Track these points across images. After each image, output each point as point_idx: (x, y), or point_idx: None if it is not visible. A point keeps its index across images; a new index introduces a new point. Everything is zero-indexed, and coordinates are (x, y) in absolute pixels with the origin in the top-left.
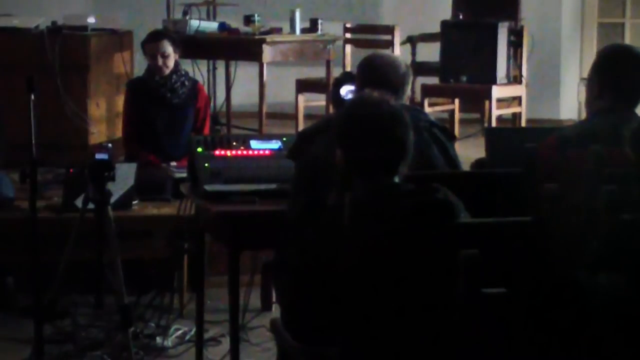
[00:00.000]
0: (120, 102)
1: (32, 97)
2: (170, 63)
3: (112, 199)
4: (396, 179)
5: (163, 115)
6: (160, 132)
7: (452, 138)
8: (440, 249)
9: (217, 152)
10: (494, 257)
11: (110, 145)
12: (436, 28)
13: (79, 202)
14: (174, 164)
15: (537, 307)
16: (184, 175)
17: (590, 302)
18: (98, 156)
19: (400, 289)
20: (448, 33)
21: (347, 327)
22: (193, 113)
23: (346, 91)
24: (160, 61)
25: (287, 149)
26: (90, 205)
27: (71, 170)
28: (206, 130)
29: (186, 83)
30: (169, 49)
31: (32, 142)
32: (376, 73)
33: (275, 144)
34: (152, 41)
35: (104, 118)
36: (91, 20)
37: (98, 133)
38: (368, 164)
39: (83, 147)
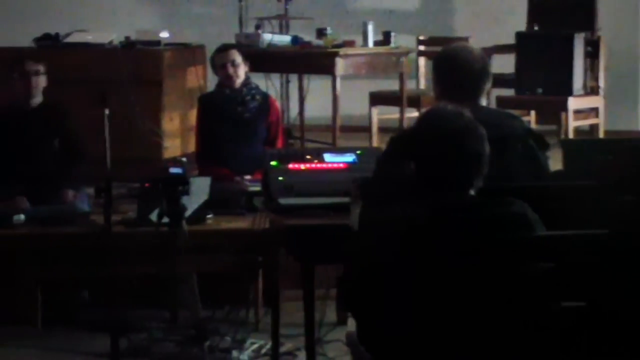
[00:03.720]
0: (193, 116)
1: (106, 112)
2: (241, 73)
3: (187, 213)
4: (471, 192)
5: (234, 129)
6: (231, 146)
7: (546, 146)
8: (516, 263)
9: (291, 166)
10: (572, 270)
11: (184, 159)
12: (511, 39)
13: (153, 217)
14: (248, 177)
15: (617, 321)
16: (257, 188)
17: None
18: (172, 170)
19: (475, 303)
20: (523, 44)
21: (418, 342)
22: (264, 127)
23: None
24: (231, 70)
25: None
26: (165, 220)
27: (146, 184)
28: (280, 144)
29: (257, 97)
30: (238, 58)
31: (106, 157)
32: (452, 74)
33: (349, 157)
34: (222, 51)
35: (177, 132)
36: (164, 35)
37: (172, 147)
38: (442, 179)
39: (157, 161)
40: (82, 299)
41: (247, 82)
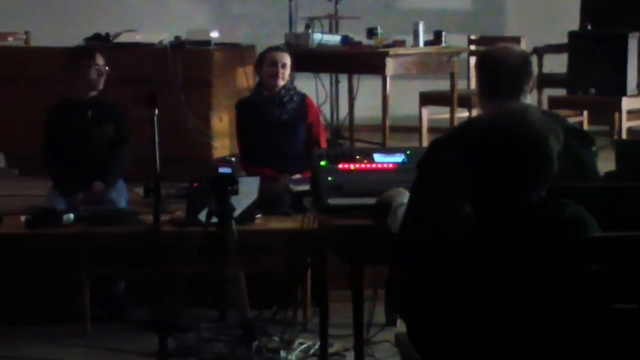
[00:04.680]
0: None
1: (156, 111)
2: (287, 74)
3: (235, 213)
4: (542, 193)
5: (273, 131)
6: (272, 148)
7: (590, 143)
8: (572, 265)
9: (340, 166)
10: (625, 272)
11: (233, 159)
12: (563, 39)
13: (202, 216)
14: (298, 176)
15: None
16: (303, 188)
17: None
18: (221, 170)
19: (530, 305)
20: (576, 44)
21: (469, 344)
22: (304, 128)
23: None
24: (280, 70)
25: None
26: (213, 219)
27: (194, 184)
28: (323, 143)
29: (294, 98)
30: (289, 61)
31: (155, 156)
32: (490, 73)
33: (399, 157)
34: (276, 50)
35: (226, 132)
36: (214, 35)
37: (221, 147)
38: (510, 183)
39: (206, 161)
40: (119, 290)
41: (286, 84)
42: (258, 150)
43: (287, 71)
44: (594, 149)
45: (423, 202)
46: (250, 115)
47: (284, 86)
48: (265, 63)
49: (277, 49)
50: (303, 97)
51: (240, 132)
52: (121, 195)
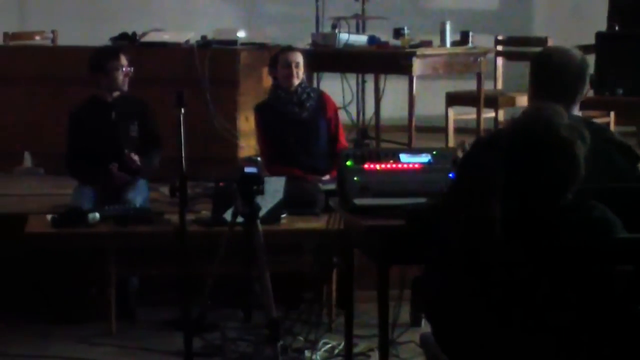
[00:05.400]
0: None
1: (182, 111)
2: (301, 73)
3: (261, 213)
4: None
5: (295, 131)
6: (296, 148)
7: (636, 160)
8: (597, 266)
9: (366, 166)
10: None
11: (259, 159)
12: (590, 39)
13: (228, 216)
14: (327, 177)
15: None
16: (330, 188)
17: None
18: (247, 170)
19: (556, 307)
20: (603, 44)
21: (494, 345)
22: (325, 124)
23: None
24: (294, 70)
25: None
26: (239, 219)
27: (220, 183)
28: (342, 138)
29: (312, 95)
30: (302, 60)
31: (182, 156)
32: (544, 74)
33: (425, 158)
34: (289, 51)
35: (252, 132)
36: (241, 34)
37: (247, 147)
38: (535, 187)
39: (232, 160)
40: (133, 285)
41: (301, 82)
42: (282, 151)
43: (301, 70)
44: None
45: (455, 200)
46: (271, 117)
47: (299, 84)
48: (279, 65)
49: (289, 49)
50: (320, 94)
51: (262, 134)
52: (138, 194)
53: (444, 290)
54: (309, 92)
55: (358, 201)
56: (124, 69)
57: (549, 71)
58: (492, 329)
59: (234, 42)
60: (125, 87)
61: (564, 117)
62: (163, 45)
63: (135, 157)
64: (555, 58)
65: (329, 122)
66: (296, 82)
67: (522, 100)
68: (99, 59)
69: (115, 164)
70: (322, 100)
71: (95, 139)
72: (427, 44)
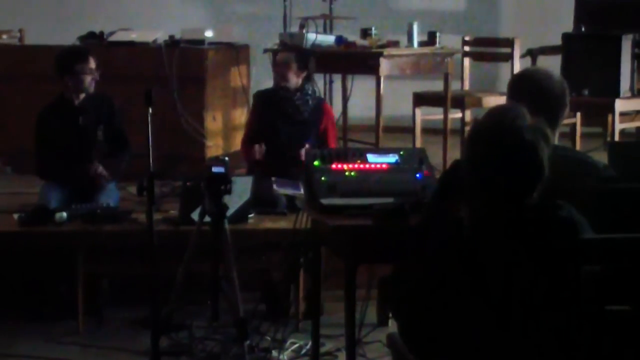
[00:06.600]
0: (236, 115)
1: (150, 110)
2: (290, 77)
3: (229, 212)
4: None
5: (285, 128)
6: (282, 145)
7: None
8: (563, 266)
9: (333, 166)
10: (618, 274)
11: (227, 158)
12: (557, 40)
13: (195, 215)
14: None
15: None
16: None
17: None
18: (215, 169)
19: (523, 307)
20: (570, 45)
21: (461, 343)
22: (317, 132)
23: None
24: (282, 70)
25: None
26: (207, 219)
27: (188, 183)
28: (332, 146)
29: (310, 102)
30: (291, 59)
31: (149, 154)
32: (528, 96)
33: (392, 158)
34: (280, 52)
35: (220, 131)
36: (208, 34)
37: (214, 146)
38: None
39: (199, 160)
40: (103, 288)
41: (302, 87)
42: (267, 142)
43: (291, 69)
44: None
45: (431, 199)
46: (267, 107)
47: (300, 89)
48: (274, 64)
49: (282, 50)
50: (320, 101)
51: (252, 119)
52: (109, 197)
53: (412, 289)
54: (307, 99)
55: (325, 201)
56: (92, 72)
57: (530, 92)
58: (459, 328)
59: (201, 41)
60: (92, 89)
61: (527, 119)
62: (131, 44)
63: (104, 172)
64: (535, 78)
65: (324, 132)
66: (283, 83)
67: (489, 101)
68: (68, 60)
69: (98, 165)
70: (320, 108)
71: (63, 144)
72: (395, 44)
